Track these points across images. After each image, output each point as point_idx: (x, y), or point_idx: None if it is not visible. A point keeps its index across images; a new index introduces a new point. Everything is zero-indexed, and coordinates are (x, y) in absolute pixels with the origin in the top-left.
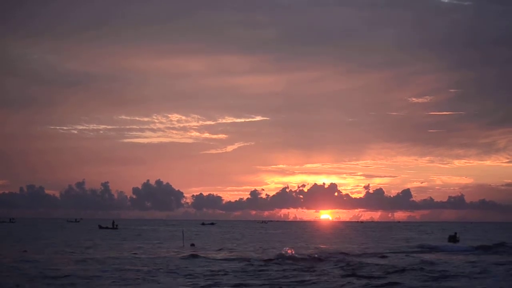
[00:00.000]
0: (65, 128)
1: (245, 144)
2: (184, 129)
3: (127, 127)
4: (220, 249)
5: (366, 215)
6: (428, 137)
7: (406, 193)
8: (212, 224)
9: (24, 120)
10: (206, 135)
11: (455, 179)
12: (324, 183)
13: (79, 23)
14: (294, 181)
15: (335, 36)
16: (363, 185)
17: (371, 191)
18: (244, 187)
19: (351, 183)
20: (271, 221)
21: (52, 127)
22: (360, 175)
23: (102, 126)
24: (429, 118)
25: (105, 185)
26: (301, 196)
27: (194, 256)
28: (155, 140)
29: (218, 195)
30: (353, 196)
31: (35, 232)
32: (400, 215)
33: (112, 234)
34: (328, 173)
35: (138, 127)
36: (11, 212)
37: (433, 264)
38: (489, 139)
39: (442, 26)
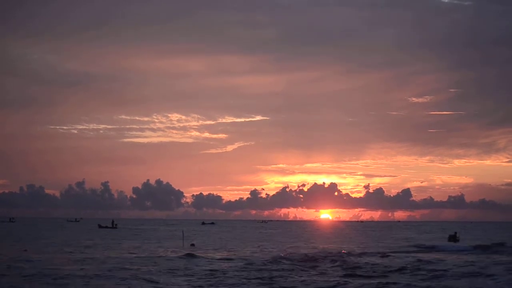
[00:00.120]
0: (65, 128)
1: (245, 143)
2: (184, 128)
3: (127, 126)
4: (219, 249)
5: (366, 214)
6: (428, 137)
7: (406, 192)
8: (213, 223)
9: (24, 120)
10: (206, 134)
11: (455, 179)
12: (324, 183)
13: (79, 23)
14: (294, 180)
15: (335, 36)
16: (363, 184)
17: (371, 190)
18: (244, 187)
19: (351, 183)
20: (271, 220)
21: (52, 127)
22: (360, 175)
23: (102, 126)
24: (429, 118)
25: (105, 184)
26: (301, 196)
27: (193, 256)
28: (155, 140)
29: (218, 194)
30: (353, 195)
31: (35, 231)
32: (400, 214)
33: (112, 234)
34: (328, 172)
35: (138, 127)
36: (11, 211)
37: (432, 264)
38: (489, 139)
39: (442, 26)
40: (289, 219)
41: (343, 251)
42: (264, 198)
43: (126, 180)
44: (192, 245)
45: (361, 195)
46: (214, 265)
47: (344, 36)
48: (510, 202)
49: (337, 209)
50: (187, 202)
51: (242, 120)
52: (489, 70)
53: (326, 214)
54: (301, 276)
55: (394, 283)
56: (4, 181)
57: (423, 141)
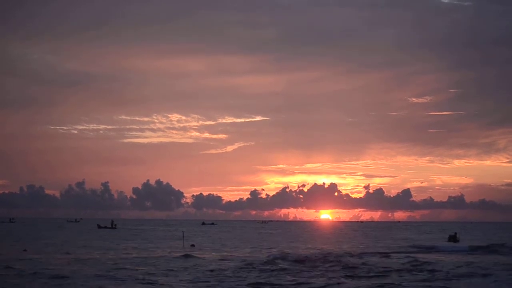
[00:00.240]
0: (65, 128)
1: (245, 144)
2: (184, 129)
3: (127, 127)
4: (219, 250)
5: (366, 215)
6: (428, 137)
7: (406, 193)
8: (213, 224)
9: (24, 120)
10: (206, 135)
11: (455, 179)
12: (324, 183)
13: (79, 23)
14: (294, 181)
15: (335, 36)
16: (363, 185)
17: (371, 191)
18: (244, 187)
19: (351, 183)
20: (271, 221)
21: (52, 127)
22: (360, 175)
23: (102, 126)
24: (429, 118)
25: (105, 185)
26: (301, 196)
27: (193, 256)
28: (155, 140)
29: (218, 195)
30: (353, 196)
31: (35, 232)
32: (400, 215)
33: (111, 234)
34: (328, 173)
35: (138, 127)
36: (11, 212)
37: (432, 264)
38: (489, 139)
39: (442, 26)
40: (289, 220)
41: (341, 252)
42: (264, 198)
43: (126, 180)
44: (192, 245)
45: (361, 195)
46: (214, 266)
47: (344, 36)
48: (510, 202)
49: (337, 210)
50: (187, 203)
51: (242, 120)
52: (489, 70)
53: (326, 215)
54: (299, 277)
55: (394, 284)
56: (4, 181)
57: (423, 141)
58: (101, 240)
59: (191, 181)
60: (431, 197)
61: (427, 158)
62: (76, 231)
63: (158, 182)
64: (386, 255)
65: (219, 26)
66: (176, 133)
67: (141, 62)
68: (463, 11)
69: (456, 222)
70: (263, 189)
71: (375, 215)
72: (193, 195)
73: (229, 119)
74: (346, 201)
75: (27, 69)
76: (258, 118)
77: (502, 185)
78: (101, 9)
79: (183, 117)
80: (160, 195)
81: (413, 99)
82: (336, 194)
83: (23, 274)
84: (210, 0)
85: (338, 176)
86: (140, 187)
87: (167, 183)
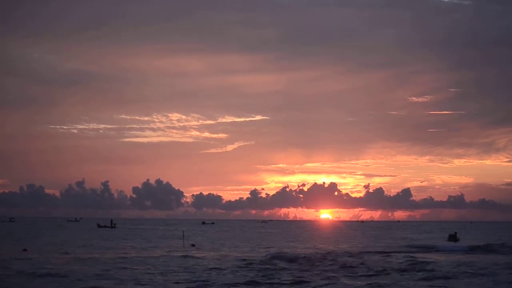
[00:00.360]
0: (65, 127)
1: (245, 143)
2: (184, 128)
3: (127, 126)
4: (219, 249)
5: (366, 214)
6: (428, 137)
7: (406, 192)
8: (213, 223)
9: (24, 120)
10: (206, 134)
11: (455, 179)
12: (324, 183)
13: (79, 23)
14: (294, 180)
15: (335, 36)
16: (363, 184)
17: (371, 190)
18: (244, 187)
19: (351, 183)
20: (271, 220)
21: (52, 126)
22: (360, 175)
23: (102, 126)
24: (429, 118)
25: (105, 184)
26: (301, 196)
27: (193, 256)
28: (155, 140)
29: (218, 194)
30: (353, 195)
31: (35, 231)
32: (400, 214)
33: (111, 233)
34: (328, 172)
35: (138, 127)
36: (11, 211)
37: (432, 263)
38: (489, 139)
39: (442, 26)
40: (289, 219)
41: (340, 251)
42: (264, 198)
43: (126, 179)
44: (193, 245)
45: (361, 195)
46: (213, 265)
47: (344, 36)
48: (510, 202)
49: (337, 209)
50: (187, 202)
51: (242, 119)
52: (489, 70)
53: (326, 214)
54: (298, 277)
55: (394, 283)
56: (4, 181)
57: (423, 141)
58: (101, 240)
59: (191, 180)
60: (431, 197)
61: (427, 157)
62: (76, 231)
63: (158, 182)
64: (385, 254)
65: (219, 26)
66: (176, 133)
67: (141, 62)
68: (463, 11)
69: (456, 222)
70: (263, 189)
71: (375, 214)
72: (193, 195)
73: (229, 119)
74: (346, 201)
75: (27, 69)
76: (258, 117)
77: (502, 185)
78: (101, 9)
79: (183, 117)
80: (160, 194)
81: (413, 98)
82: (336, 193)
83: (23, 274)
84: (210, 0)
85: (338, 176)
86: (140, 186)
87: (167, 183)
